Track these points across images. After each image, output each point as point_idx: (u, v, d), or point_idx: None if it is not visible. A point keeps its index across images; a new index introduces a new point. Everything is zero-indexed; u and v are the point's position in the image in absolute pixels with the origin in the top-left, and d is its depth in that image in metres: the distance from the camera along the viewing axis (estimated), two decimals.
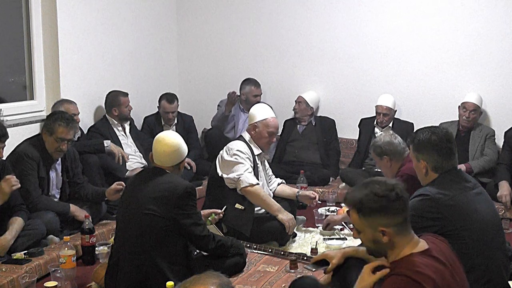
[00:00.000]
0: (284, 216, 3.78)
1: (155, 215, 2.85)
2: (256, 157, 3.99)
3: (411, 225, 2.64)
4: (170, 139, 3.04)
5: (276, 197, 4.14)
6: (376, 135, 5.23)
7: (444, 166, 2.70)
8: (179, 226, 2.88)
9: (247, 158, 3.87)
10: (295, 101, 5.50)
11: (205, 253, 3.13)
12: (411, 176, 3.30)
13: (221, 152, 3.96)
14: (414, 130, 2.86)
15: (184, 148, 3.08)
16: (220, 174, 3.87)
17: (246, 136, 4.04)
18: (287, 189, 4.22)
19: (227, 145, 3.97)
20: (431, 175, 2.72)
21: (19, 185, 3.43)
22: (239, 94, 5.67)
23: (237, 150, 3.86)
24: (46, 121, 3.83)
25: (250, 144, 3.98)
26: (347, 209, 4.09)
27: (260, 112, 4.05)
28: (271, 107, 4.33)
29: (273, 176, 4.29)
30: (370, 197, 2.07)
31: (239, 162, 3.82)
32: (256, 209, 3.92)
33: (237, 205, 3.83)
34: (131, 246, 2.88)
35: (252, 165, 3.89)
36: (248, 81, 5.69)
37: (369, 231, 2.09)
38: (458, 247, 2.55)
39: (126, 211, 2.97)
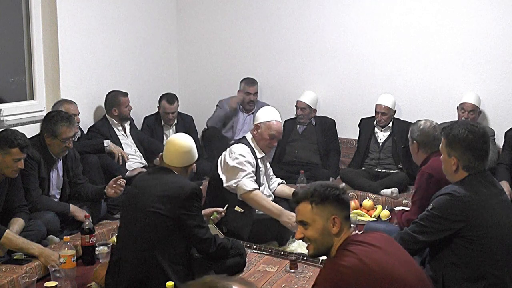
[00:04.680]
0: (286, 218, 3.76)
1: (160, 214, 2.85)
2: (258, 160, 3.98)
3: (434, 226, 2.58)
4: (184, 140, 3.08)
5: (276, 197, 4.14)
6: (376, 135, 5.24)
7: (476, 167, 2.64)
8: (182, 227, 2.88)
9: (248, 162, 3.86)
10: (297, 106, 5.45)
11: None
12: (432, 175, 3.28)
13: (223, 153, 3.95)
14: (450, 124, 2.79)
15: (195, 152, 3.11)
16: (221, 176, 3.87)
17: (249, 136, 4.03)
18: (286, 189, 4.22)
19: (231, 147, 3.96)
20: (461, 173, 2.66)
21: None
22: (238, 91, 5.71)
23: (239, 155, 3.85)
24: (46, 124, 3.81)
25: (253, 147, 3.97)
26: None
27: (265, 114, 4.05)
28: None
29: (274, 176, 4.29)
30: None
31: (240, 168, 3.82)
32: (257, 209, 3.92)
33: (236, 208, 3.83)
34: (134, 244, 2.88)
35: (254, 170, 3.89)
36: (246, 80, 5.71)
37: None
38: (471, 253, 2.52)
39: (131, 208, 2.97)
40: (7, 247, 3.29)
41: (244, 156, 3.85)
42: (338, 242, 2.17)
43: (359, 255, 2.05)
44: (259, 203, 3.79)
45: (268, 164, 4.26)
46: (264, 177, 4.10)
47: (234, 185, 3.80)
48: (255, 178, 3.88)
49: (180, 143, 3.04)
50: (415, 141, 3.59)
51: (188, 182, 3.00)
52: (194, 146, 3.10)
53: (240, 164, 3.83)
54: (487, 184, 2.63)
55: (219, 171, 3.90)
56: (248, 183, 3.78)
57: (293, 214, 3.82)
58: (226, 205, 3.78)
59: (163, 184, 2.92)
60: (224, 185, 3.84)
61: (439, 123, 4.95)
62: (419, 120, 3.72)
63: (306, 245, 2.26)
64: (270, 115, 4.04)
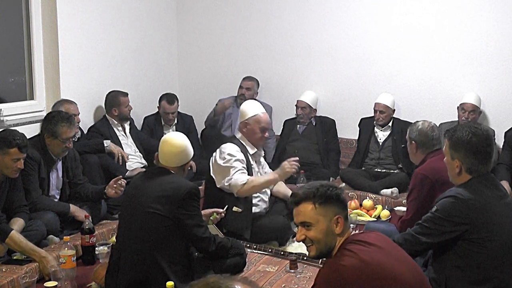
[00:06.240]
0: (281, 170, 3.85)
1: (158, 214, 2.85)
2: (250, 157, 3.97)
3: (437, 228, 2.58)
4: (177, 140, 3.07)
5: (273, 196, 4.14)
6: (376, 134, 5.24)
7: (479, 170, 2.63)
8: (181, 227, 2.88)
9: (238, 160, 3.84)
10: (297, 106, 5.45)
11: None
12: (426, 176, 3.29)
13: (214, 153, 3.95)
14: (454, 126, 2.82)
15: (190, 150, 3.11)
16: (214, 178, 3.88)
17: (238, 135, 4.02)
18: (281, 189, 4.22)
19: (220, 147, 3.95)
20: (464, 176, 2.65)
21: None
22: (238, 89, 5.69)
23: (228, 154, 3.85)
24: (47, 125, 3.81)
25: (244, 144, 3.96)
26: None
27: (250, 109, 4.04)
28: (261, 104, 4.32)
29: (270, 171, 4.27)
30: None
31: (230, 166, 3.81)
32: (254, 209, 3.91)
33: (234, 208, 3.83)
34: (133, 244, 2.88)
35: (246, 167, 3.87)
36: (249, 77, 5.69)
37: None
38: (476, 256, 2.51)
39: (130, 209, 2.97)
40: (11, 247, 3.29)
41: (234, 156, 3.84)
42: (340, 241, 2.17)
43: (359, 255, 2.05)
44: (257, 185, 3.82)
45: (262, 160, 4.23)
46: (258, 174, 4.08)
47: (226, 184, 3.80)
48: (246, 173, 3.86)
49: (173, 144, 3.03)
50: (413, 142, 3.61)
51: (185, 182, 3.00)
52: (188, 144, 3.09)
53: (229, 162, 3.82)
54: (490, 187, 2.63)
55: (211, 172, 3.90)
56: (239, 177, 3.78)
57: (286, 163, 3.85)
58: (226, 206, 3.78)
59: (160, 185, 2.92)
60: (218, 185, 3.84)
61: (439, 123, 5.00)
62: (417, 121, 3.73)
63: (307, 246, 2.23)
64: (254, 109, 4.03)
